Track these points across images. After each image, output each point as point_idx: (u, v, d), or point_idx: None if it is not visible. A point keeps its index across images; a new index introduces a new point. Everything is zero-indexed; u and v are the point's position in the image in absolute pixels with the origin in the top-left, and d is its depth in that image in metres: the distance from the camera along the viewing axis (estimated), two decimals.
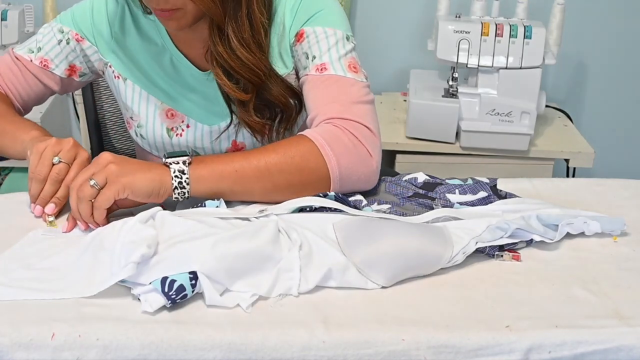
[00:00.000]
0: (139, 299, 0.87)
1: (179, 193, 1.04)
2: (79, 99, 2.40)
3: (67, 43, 1.28)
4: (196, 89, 1.29)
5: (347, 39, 1.23)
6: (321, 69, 1.20)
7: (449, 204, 1.10)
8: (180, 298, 0.86)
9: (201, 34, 1.22)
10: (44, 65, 1.29)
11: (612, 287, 0.94)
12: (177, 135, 1.30)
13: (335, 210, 1.04)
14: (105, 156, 1.03)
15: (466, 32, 2.05)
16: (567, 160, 2.15)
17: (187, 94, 1.29)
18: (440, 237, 0.97)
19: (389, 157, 2.23)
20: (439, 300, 0.90)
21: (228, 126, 1.27)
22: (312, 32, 1.22)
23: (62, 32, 1.29)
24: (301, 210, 1.05)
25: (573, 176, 2.21)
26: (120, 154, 1.73)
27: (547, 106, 2.22)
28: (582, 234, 1.05)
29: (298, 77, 1.26)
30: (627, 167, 2.60)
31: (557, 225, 1.03)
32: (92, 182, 1.01)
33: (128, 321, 0.83)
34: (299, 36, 1.23)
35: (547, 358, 0.83)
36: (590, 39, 2.50)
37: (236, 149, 1.31)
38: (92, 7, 1.28)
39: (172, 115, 1.29)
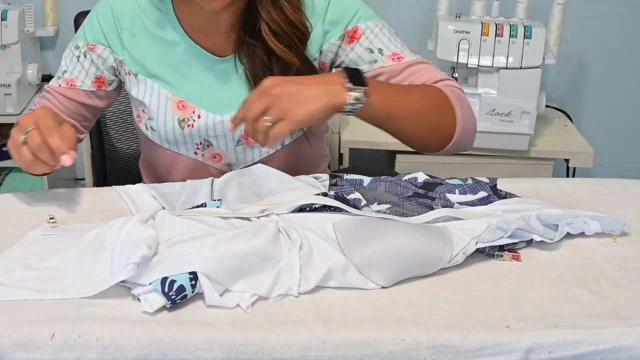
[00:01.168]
0: (139, 299, 0.87)
1: (345, 114, 1.10)
2: None
3: (85, 56, 1.32)
4: (210, 79, 1.31)
5: (389, 28, 1.32)
6: (398, 58, 1.29)
7: (449, 204, 1.10)
8: (180, 298, 0.86)
9: (219, 22, 1.26)
10: (71, 85, 1.33)
11: (612, 287, 0.94)
12: (188, 126, 1.30)
13: (335, 209, 1.04)
14: (279, 88, 1.06)
15: (466, 32, 2.05)
16: (567, 160, 2.15)
17: (199, 85, 1.31)
18: (440, 238, 0.97)
19: (389, 157, 2.23)
20: (439, 300, 0.90)
21: None
22: (366, 27, 1.29)
23: (78, 47, 1.32)
24: (301, 210, 1.05)
25: (573, 176, 2.21)
26: (121, 154, 1.74)
27: (547, 106, 2.22)
28: (582, 234, 1.05)
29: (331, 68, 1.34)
30: (627, 167, 2.60)
31: (557, 226, 1.03)
32: (266, 121, 1.04)
33: (128, 321, 0.83)
34: (353, 33, 1.29)
35: (547, 358, 0.83)
36: (590, 39, 2.50)
37: (248, 137, 1.32)
38: (96, 13, 1.32)
39: (183, 106, 1.30)
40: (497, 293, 0.92)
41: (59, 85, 1.34)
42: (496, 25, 2.05)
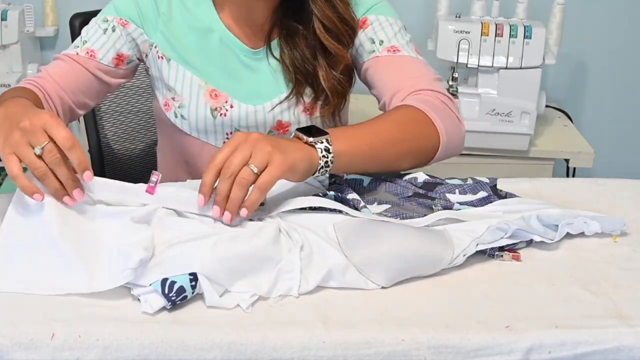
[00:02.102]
0: (139, 300, 0.87)
1: (322, 172, 1.05)
2: None
3: (113, 30, 1.28)
4: (242, 69, 1.31)
5: (405, 29, 1.34)
6: (394, 51, 1.29)
7: (449, 204, 1.10)
8: (180, 299, 0.86)
9: (255, 13, 1.28)
10: (91, 56, 1.28)
11: (612, 287, 0.94)
12: (221, 115, 1.30)
13: (334, 210, 1.04)
14: (256, 136, 0.98)
15: (466, 32, 2.05)
16: (567, 160, 2.15)
17: (232, 74, 1.31)
18: (441, 239, 0.97)
19: None
20: (439, 300, 0.90)
21: (288, 96, 1.30)
22: (376, 19, 1.31)
23: (107, 21, 1.29)
24: (301, 210, 1.05)
25: (573, 176, 2.21)
26: (119, 155, 1.74)
27: (547, 106, 2.22)
28: (582, 234, 1.05)
29: (354, 65, 1.34)
30: (627, 167, 2.60)
31: (557, 226, 1.03)
32: (252, 167, 0.96)
33: (128, 321, 0.83)
34: (362, 23, 1.31)
35: (547, 358, 0.83)
36: (590, 39, 2.50)
37: (280, 128, 1.33)
38: None
39: (215, 95, 1.30)
40: (497, 293, 0.92)
41: (77, 53, 1.28)
42: (496, 25, 2.05)
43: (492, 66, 2.05)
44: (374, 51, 1.30)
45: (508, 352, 0.83)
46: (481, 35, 2.04)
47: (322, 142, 1.04)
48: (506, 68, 2.04)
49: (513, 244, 1.01)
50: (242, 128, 1.32)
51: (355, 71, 1.38)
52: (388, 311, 0.87)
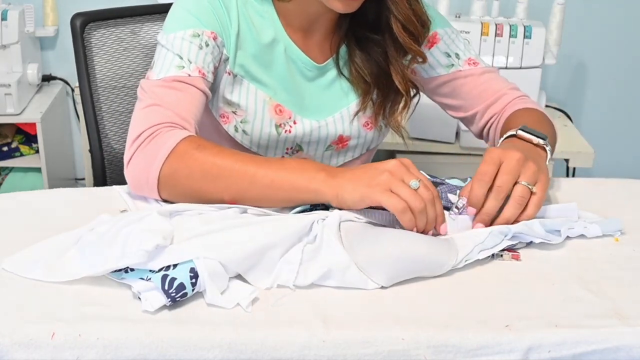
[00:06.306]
0: (139, 298, 0.87)
1: None
2: (78, 98, 2.40)
3: (207, 45, 1.19)
4: (305, 84, 1.29)
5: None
6: (474, 63, 1.34)
7: (450, 204, 1.10)
8: (180, 296, 0.86)
9: (318, 24, 1.27)
10: (203, 75, 1.18)
11: (612, 287, 0.94)
12: (285, 131, 1.28)
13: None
14: (519, 156, 1.03)
15: (466, 32, 2.05)
16: (567, 160, 2.16)
17: (295, 89, 1.29)
18: (446, 245, 0.97)
19: (389, 157, 2.23)
20: (439, 300, 0.90)
21: (363, 102, 1.30)
22: (445, 32, 1.34)
23: (198, 35, 1.18)
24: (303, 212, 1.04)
25: (573, 176, 2.21)
26: (119, 155, 1.74)
27: (547, 106, 2.22)
28: (582, 235, 1.05)
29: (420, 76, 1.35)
30: (627, 167, 2.61)
31: (559, 231, 1.03)
32: (530, 187, 1.02)
33: (128, 321, 0.83)
34: (433, 38, 1.32)
35: (547, 358, 0.83)
36: (590, 39, 2.50)
37: (340, 142, 1.32)
38: (204, 1, 1.21)
39: (280, 111, 1.27)
40: (497, 293, 0.92)
41: (189, 75, 1.15)
42: (496, 25, 2.05)
43: (492, 66, 2.05)
44: (453, 65, 1.33)
45: (508, 351, 0.83)
46: (481, 35, 2.05)
47: (548, 145, 1.14)
48: (506, 68, 2.05)
49: (513, 244, 1.01)
50: (302, 144, 1.30)
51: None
52: (388, 311, 0.87)
